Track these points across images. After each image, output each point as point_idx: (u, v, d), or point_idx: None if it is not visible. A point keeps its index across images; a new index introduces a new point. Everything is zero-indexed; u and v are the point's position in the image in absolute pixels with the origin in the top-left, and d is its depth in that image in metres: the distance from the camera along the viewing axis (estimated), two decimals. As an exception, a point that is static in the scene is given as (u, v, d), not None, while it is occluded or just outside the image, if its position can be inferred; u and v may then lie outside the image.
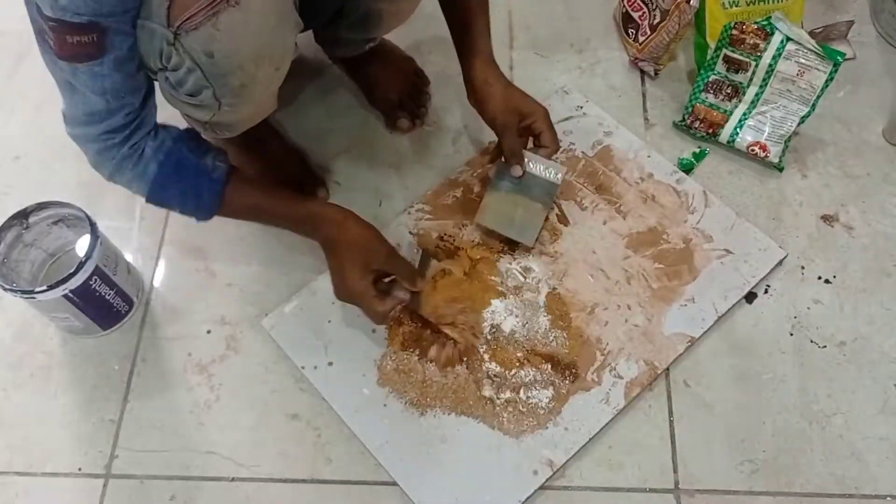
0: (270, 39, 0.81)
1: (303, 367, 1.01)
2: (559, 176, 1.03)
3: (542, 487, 0.93)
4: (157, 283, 1.11)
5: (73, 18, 0.71)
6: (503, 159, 1.03)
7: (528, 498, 0.92)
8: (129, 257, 1.12)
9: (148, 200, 0.88)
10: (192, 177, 0.88)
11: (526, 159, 1.02)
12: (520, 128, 1.01)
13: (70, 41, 0.73)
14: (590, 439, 0.95)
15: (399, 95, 1.20)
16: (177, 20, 0.74)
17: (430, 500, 0.92)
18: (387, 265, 0.93)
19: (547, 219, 1.07)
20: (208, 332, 1.06)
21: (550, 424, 0.96)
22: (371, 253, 0.92)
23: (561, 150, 1.14)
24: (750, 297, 1.05)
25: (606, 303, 1.03)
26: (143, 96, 0.83)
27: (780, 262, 1.07)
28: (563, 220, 1.10)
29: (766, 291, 1.06)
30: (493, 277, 1.05)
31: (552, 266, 1.06)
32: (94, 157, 0.85)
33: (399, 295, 0.94)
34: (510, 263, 1.07)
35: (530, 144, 1.05)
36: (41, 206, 1.00)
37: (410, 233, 1.10)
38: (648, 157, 1.15)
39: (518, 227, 1.05)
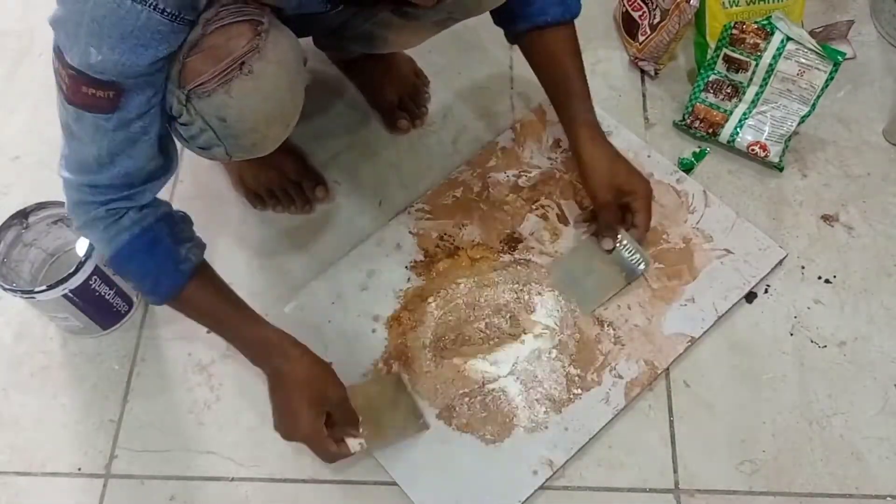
0: (282, 102, 0.81)
1: (303, 367, 1.01)
2: (642, 267, 1.01)
3: (541, 487, 0.93)
4: (156, 283, 1.11)
5: (97, 75, 0.70)
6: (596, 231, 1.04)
7: (527, 498, 0.92)
8: (128, 257, 1.12)
9: (107, 264, 0.86)
10: (158, 260, 0.84)
11: (620, 237, 1.01)
12: (619, 203, 1.00)
13: (85, 91, 0.71)
14: (590, 439, 0.95)
15: (399, 96, 1.20)
16: (188, 84, 0.74)
17: (429, 500, 0.92)
18: (338, 409, 0.89)
19: (610, 299, 1.03)
20: (208, 331, 1.06)
21: (550, 424, 0.96)
22: (326, 393, 0.88)
23: (561, 149, 1.15)
24: (750, 296, 1.05)
25: (606, 302, 1.03)
26: (141, 168, 0.79)
27: (781, 262, 1.07)
28: (563, 219, 1.10)
29: (766, 291, 1.06)
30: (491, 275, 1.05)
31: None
32: (71, 206, 0.82)
33: (352, 446, 0.89)
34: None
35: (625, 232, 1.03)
36: (41, 206, 1.00)
37: (410, 233, 1.10)
38: (648, 156, 1.15)
39: (580, 293, 1.04)
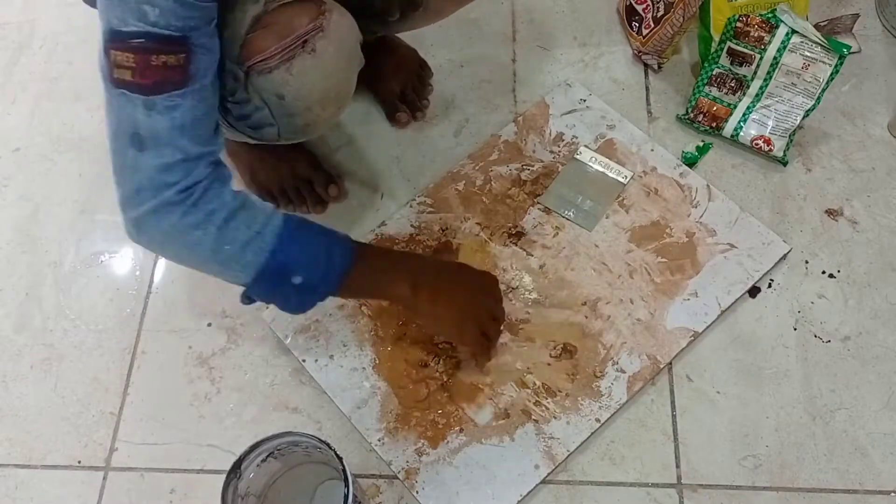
0: (339, 82, 0.81)
1: (303, 361, 1.00)
2: (630, 175, 1.10)
3: (543, 482, 0.93)
4: (158, 275, 1.10)
5: (163, 30, 0.65)
6: None
7: (529, 492, 0.92)
8: (129, 250, 1.11)
9: (262, 273, 0.72)
10: (318, 233, 0.77)
11: (591, 156, 1.12)
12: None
13: (155, 63, 0.65)
14: (592, 433, 0.95)
15: (402, 87, 1.19)
16: (249, 60, 0.73)
17: (430, 494, 0.92)
18: (497, 310, 0.93)
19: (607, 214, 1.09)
20: (209, 324, 1.06)
21: (552, 418, 0.95)
22: (494, 290, 0.93)
23: (564, 143, 1.14)
24: (753, 291, 1.04)
25: (609, 297, 1.03)
26: (219, 145, 0.73)
27: (784, 257, 1.06)
28: (566, 213, 1.10)
29: (769, 286, 1.05)
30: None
31: (554, 260, 1.06)
32: (177, 221, 0.68)
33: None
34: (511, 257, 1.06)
35: (593, 151, 1.13)
36: (251, 449, 0.81)
37: (412, 226, 1.09)
38: (651, 150, 1.14)
39: (581, 215, 1.09)
